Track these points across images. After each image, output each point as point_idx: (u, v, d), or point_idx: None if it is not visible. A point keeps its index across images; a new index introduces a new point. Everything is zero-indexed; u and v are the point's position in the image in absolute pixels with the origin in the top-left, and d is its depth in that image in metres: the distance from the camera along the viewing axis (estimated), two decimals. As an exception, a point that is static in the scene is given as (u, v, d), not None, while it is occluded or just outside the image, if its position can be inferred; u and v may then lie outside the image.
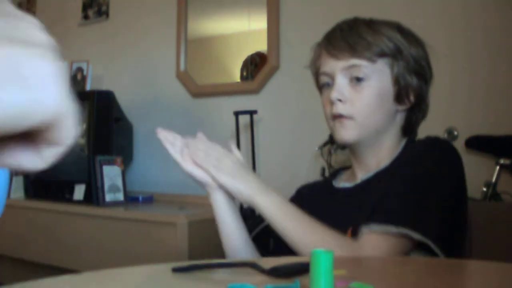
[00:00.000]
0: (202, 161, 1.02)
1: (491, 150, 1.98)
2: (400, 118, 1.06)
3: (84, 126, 2.79)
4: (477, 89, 2.07)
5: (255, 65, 2.72)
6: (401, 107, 1.04)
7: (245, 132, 2.58)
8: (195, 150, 1.04)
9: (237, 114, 2.50)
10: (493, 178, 1.90)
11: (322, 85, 1.07)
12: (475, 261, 0.77)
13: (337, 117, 1.02)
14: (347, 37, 1.02)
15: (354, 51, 1.00)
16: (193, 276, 0.74)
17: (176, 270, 0.75)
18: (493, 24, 2.04)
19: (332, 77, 1.03)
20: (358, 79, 1.01)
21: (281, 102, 2.60)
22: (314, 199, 1.12)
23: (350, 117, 1.01)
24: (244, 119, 2.54)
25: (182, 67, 2.93)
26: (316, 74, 1.09)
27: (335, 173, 1.18)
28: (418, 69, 1.04)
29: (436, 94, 2.15)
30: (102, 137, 2.76)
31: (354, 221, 0.99)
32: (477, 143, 2.00)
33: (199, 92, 2.88)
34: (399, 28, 1.05)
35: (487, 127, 2.00)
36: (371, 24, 1.04)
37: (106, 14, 3.30)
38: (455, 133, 2.10)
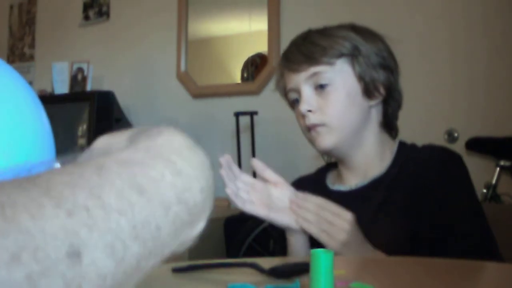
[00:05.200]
0: (311, 227, 0.92)
1: (491, 151, 1.98)
2: (376, 113, 1.05)
3: (85, 126, 2.79)
4: (477, 91, 2.07)
5: (256, 66, 2.73)
6: (373, 102, 1.03)
7: (245, 133, 2.58)
8: (304, 211, 0.93)
9: (237, 115, 2.51)
10: (493, 179, 1.90)
11: (293, 102, 1.07)
12: (475, 261, 0.77)
13: (311, 127, 1.02)
14: (302, 49, 1.02)
15: (311, 59, 1.00)
16: (193, 276, 0.74)
17: (176, 270, 0.75)
18: (494, 26, 2.04)
19: (298, 91, 1.03)
20: (323, 86, 1.00)
21: (282, 103, 2.59)
22: None
23: (323, 125, 1.01)
24: (244, 120, 2.54)
25: (182, 68, 2.93)
26: (284, 93, 1.09)
27: (325, 170, 1.16)
28: (381, 61, 1.02)
29: (437, 96, 2.16)
30: (103, 138, 2.76)
31: None
32: (477, 145, 2.00)
33: (199, 93, 2.88)
34: (353, 28, 1.04)
35: (487, 129, 2.00)
36: (324, 31, 1.04)
37: (107, 14, 3.30)
38: (456, 134, 2.10)
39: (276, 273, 0.71)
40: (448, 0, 2.15)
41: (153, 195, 0.30)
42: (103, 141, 0.35)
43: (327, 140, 1.01)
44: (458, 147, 2.04)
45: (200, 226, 0.35)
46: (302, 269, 0.67)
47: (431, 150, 1.03)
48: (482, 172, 1.94)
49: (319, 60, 1.00)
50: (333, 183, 1.10)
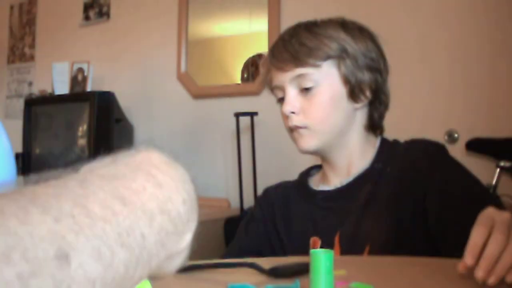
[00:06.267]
0: None
1: (492, 152, 1.98)
2: (361, 116, 1.03)
3: (85, 127, 2.79)
4: (477, 91, 2.07)
5: (256, 67, 2.73)
6: (359, 105, 1.02)
7: (245, 134, 2.58)
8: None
9: (237, 115, 2.51)
10: (493, 180, 1.90)
11: (279, 100, 1.06)
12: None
13: (294, 129, 1.01)
14: (289, 47, 1.00)
15: (297, 60, 0.99)
16: (193, 276, 0.74)
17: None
18: (494, 27, 2.04)
19: (283, 90, 1.02)
20: (308, 88, 0.99)
21: (282, 104, 2.60)
22: (290, 201, 1.09)
23: (305, 127, 1.00)
24: (244, 121, 2.54)
25: (183, 68, 2.93)
26: (271, 88, 1.08)
27: (306, 174, 1.15)
28: (369, 62, 1.01)
29: (437, 97, 2.16)
30: (103, 138, 2.76)
31: (340, 226, 0.98)
32: (477, 146, 2.00)
33: (199, 93, 2.88)
34: (343, 25, 1.03)
35: (488, 130, 2.00)
36: (312, 28, 1.02)
37: (107, 15, 3.30)
38: (456, 135, 2.10)
39: (276, 273, 0.71)
40: (447, 1, 2.15)
41: (136, 205, 0.31)
42: (89, 164, 0.36)
43: (308, 142, 1.01)
44: (458, 148, 2.05)
45: (187, 237, 0.36)
46: (302, 269, 0.67)
47: (415, 143, 1.02)
48: (482, 173, 1.93)
49: (304, 61, 0.98)
50: (317, 185, 1.10)
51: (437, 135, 2.10)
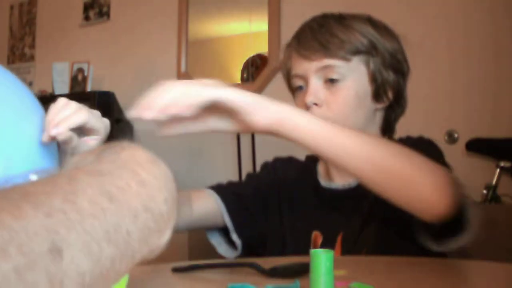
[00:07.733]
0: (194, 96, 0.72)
1: (492, 152, 1.98)
2: (379, 118, 1.01)
3: (85, 127, 2.79)
4: (477, 92, 2.07)
5: (256, 67, 2.73)
6: (380, 106, 0.99)
7: (245, 134, 2.58)
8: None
9: (237, 115, 2.51)
10: (493, 180, 1.90)
11: (296, 88, 1.01)
12: (475, 261, 0.77)
13: None
14: (318, 36, 0.96)
15: (327, 50, 0.95)
16: (193, 276, 0.74)
17: (176, 270, 0.75)
18: (494, 28, 2.04)
19: (305, 79, 0.98)
20: (333, 80, 0.95)
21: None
22: (297, 185, 1.06)
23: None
24: (244, 121, 2.54)
25: (183, 68, 2.93)
26: (288, 76, 1.03)
27: (315, 159, 1.10)
28: (395, 63, 0.98)
29: (437, 97, 2.16)
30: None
31: (344, 227, 0.96)
32: (477, 146, 2.00)
33: (199, 93, 2.88)
34: (371, 22, 1.00)
35: (488, 130, 2.00)
36: (342, 20, 0.98)
37: (107, 15, 3.30)
38: (456, 135, 2.10)
39: (276, 273, 0.71)
40: (448, 1, 2.15)
41: (122, 202, 0.32)
42: (74, 159, 0.37)
43: None
44: (458, 148, 2.05)
45: (167, 235, 0.37)
46: (302, 269, 0.67)
47: (408, 142, 0.98)
48: (482, 173, 1.94)
49: (335, 52, 0.95)
50: (324, 176, 1.06)
51: (437, 135, 2.10)
